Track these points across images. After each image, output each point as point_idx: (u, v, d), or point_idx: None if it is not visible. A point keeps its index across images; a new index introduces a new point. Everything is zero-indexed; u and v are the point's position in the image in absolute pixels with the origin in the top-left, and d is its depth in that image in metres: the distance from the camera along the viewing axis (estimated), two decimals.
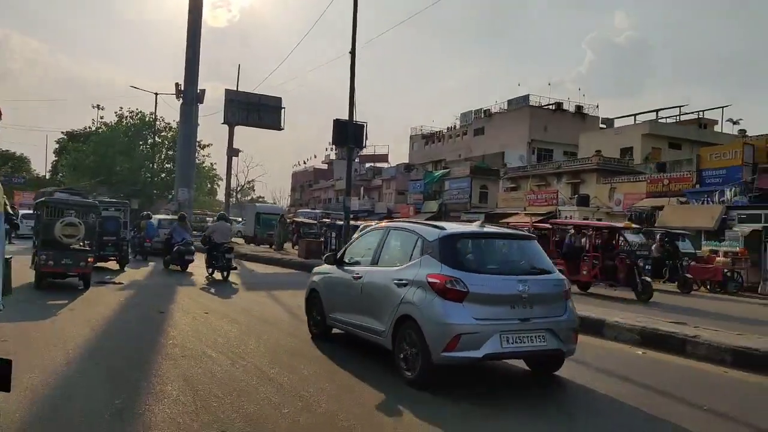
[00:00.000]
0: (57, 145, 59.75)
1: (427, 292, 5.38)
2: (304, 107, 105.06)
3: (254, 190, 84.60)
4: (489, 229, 6.39)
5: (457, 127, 68.53)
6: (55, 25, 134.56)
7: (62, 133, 58.30)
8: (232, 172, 35.13)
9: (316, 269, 8.03)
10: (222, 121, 30.86)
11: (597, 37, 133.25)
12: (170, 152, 40.12)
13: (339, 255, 7.33)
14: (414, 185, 59.56)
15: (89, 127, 43.27)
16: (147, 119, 38.60)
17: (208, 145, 39.91)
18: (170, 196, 34.44)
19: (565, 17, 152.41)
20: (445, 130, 70.32)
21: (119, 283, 12.73)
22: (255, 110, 31.24)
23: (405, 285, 5.66)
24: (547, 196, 40.52)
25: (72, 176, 39.91)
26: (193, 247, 16.35)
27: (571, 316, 5.71)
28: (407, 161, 72.87)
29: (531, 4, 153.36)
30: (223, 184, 46.88)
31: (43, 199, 13.01)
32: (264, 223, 29.92)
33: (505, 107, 59.63)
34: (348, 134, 17.43)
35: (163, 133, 39.23)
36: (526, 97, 56.79)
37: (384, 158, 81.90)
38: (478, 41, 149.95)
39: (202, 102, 30.60)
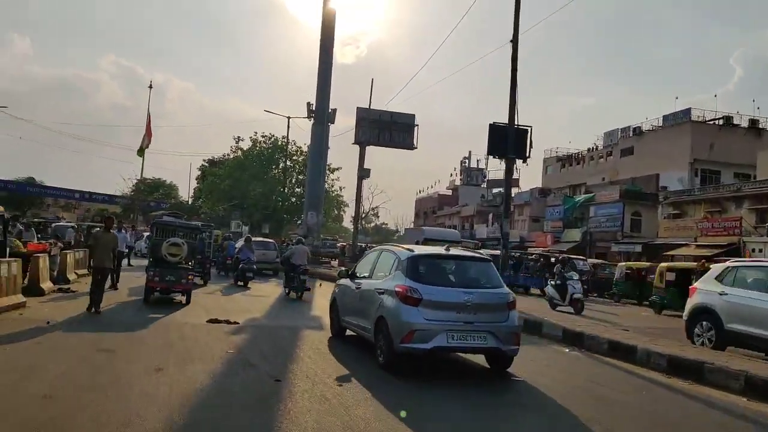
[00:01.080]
0: (199, 172, 62.50)
1: (394, 298, 7.07)
2: (424, 133, 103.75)
3: (378, 217, 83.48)
4: (452, 252, 7.87)
5: (600, 147, 62.21)
6: (201, 67, 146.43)
7: (203, 160, 60.86)
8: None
9: (337, 282, 9.79)
10: (352, 141, 28.82)
11: (748, 52, 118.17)
12: (300, 176, 39.14)
13: (351, 270, 9.20)
14: (551, 211, 54.27)
15: (227, 155, 43.89)
16: (279, 143, 38.04)
17: (337, 169, 38.56)
18: (299, 221, 32.99)
19: (705, 34, 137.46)
20: (586, 152, 64.23)
21: (234, 323, 10.20)
22: (386, 129, 28.88)
23: (383, 293, 7.38)
24: (726, 225, 33.80)
25: (209, 201, 40.33)
26: (254, 266, 18.46)
27: (512, 322, 7.16)
28: (540, 185, 67.67)
29: (665, 20, 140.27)
30: (348, 210, 45.54)
31: (153, 221, 14.30)
32: None
33: (659, 124, 52.73)
34: (508, 141, 13.95)
35: (294, 157, 38.41)
36: (687, 111, 49.64)
37: (514, 183, 76.89)
38: (606, 61, 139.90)
39: (333, 122, 29.02)
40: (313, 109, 28.40)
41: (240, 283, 17.92)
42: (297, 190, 38.79)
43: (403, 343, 6.63)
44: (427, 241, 24.52)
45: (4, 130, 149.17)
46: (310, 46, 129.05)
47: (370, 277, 8.12)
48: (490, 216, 65.45)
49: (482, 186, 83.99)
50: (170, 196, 78.48)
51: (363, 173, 26.76)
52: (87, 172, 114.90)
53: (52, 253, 13.12)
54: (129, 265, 22.66)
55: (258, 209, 37.10)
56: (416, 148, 28.93)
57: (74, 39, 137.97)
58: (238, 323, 10.21)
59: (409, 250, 7.64)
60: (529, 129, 14.16)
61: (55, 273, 13.50)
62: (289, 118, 37.86)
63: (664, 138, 50.50)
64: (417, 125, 28.99)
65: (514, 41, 13.64)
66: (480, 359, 7.72)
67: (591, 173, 61.08)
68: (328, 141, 28.86)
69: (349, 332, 8.96)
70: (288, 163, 37.63)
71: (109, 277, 12.06)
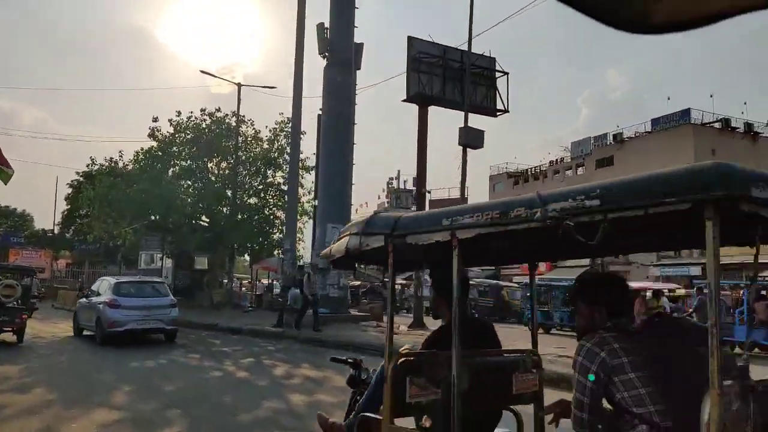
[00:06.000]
0: (70, 190, 44.55)
1: (105, 305, 12.77)
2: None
3: None
4: (141, 278, 15.83)
5: (567, 159, 54.25)
6: (55, 95, 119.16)
7: (77, 173, 43.20)
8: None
9: (78, 302, 15.77)
10: (403, 97, 15.86)
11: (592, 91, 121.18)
12: (257, 178, 24.84)
13: (87, 293, 15.40)
14: None
15: (117, 159, 27.15)
16: (225, 124, 23.38)
17: (311, 169, 24.41)
18: (282, 247, 18.83)
19: (556, 75, 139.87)
20: (548, 165, 56.03)
21: None
22: (455, 78, 16.37)
23: (101, 304, 12.98)
24: None
25: (105, 216, 23.45)
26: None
27: (172, 315, 13.32)
28: None
29: (525, 63, 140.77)
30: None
31: None
32: None
33: (647, 129, 45.51)
34: None
35: (251, 145, 23.90)
36: (686, 113, 42.53)
37: (459, 202, 67.24)
38: None
39: (359, 67, 16.17)
40: (327, 35, 15.31)
41: None
42: (250, 201, 24.22)
43: (108, 329, 12.52)
44: None
45: None
46: (178, 75, 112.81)
47: (98, 295, 13.67)
48: None
49: (412, 209, 73.59)
50: (23, 227, 58.64)
51: (472, 138, 13.46)
52: None
53: None
54: None
55: (190, 230, 22.12)
56: (506, 112, 16.69)
57: None
58: None
59: (116, 278, 14.74)
60: None
61: None
62: (239, 85, 23.70)
63: (656, 144, 43.11)
64: (505, 74, 16.78)
65: None
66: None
67: (556, 189, 52.69)
68: (354, 96, 15.73)
69: (86, 332, 14.16)
70: (240, 154, 23.04)
71: None
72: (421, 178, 15.42)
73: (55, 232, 46.19)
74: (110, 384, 8.34)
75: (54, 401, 7.22)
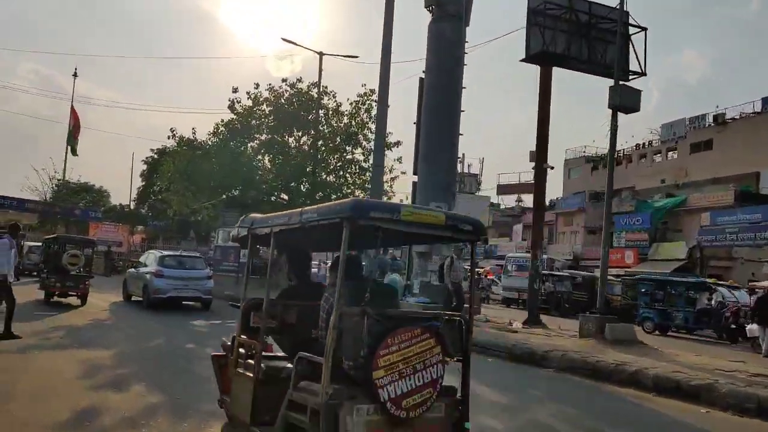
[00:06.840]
0: (145, 167, 44.78)
1: (152, 275, 14.54)
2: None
3: None
4: (181, 252, 17.96)
5: (655, 143, 49.81)
6: (128, 78, 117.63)
7: (152, 150, 43.34)
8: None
9: (128, 271, 17.78)
10: (522, 56, 13.47)
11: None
12: (334, 155, 23.10)
13: (135, 264, 17.85)
14: (626, 221, 40.55)
15: (192, 137, 25.75)
16: (305, 92, 21.65)
17: (395, 144, 22.51)
18: None
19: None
20: (633, 148, 51.68)
21: None
22: (581, 34, 13.80)
23: (148, 273, 14.76)
24: None
25: (184, 189, 22.15)
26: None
27: (208, 286, 15.13)
28: (561, 193, 54.88)
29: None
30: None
31: (54, 236, 17.74)
32: None
33: (756, 108, 40.70)
34: None
35: (333, 120, 22.20)
36: None
37: (530, 188, 63.72)
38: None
39: (468, 23, 13.94)
40: None
41: None
42: (329, 178, 22.57)
43: (153, 295, 14.28)
44: None
45: None
46: (243, 59, 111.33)
47: (145, 266, 15.38)
48: (520, 227, 51.54)
49: (476, 194, 70.29)
50: (100, 203, 60.04)
51: (626, 99, 11.13)
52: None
53: None
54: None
55: (272, 207, 20.83)
56: (643, 74, 13.98)
57: None
58: None
59: (161, 252, 16.25)
60: None
61: None
62: (321, 54, 21.97)
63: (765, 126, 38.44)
64: (644, 29, 14.09)
65: None
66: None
67: (642, 174, 48.23)
68: (463, 55, 13.48)
69: (134, 298, 15.95)
70: (323, 128, 21.47)
71: None
72: (541, 151, 13.03)
73: (131, 207, 46.68)
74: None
75: (158, 407, 5.85)
